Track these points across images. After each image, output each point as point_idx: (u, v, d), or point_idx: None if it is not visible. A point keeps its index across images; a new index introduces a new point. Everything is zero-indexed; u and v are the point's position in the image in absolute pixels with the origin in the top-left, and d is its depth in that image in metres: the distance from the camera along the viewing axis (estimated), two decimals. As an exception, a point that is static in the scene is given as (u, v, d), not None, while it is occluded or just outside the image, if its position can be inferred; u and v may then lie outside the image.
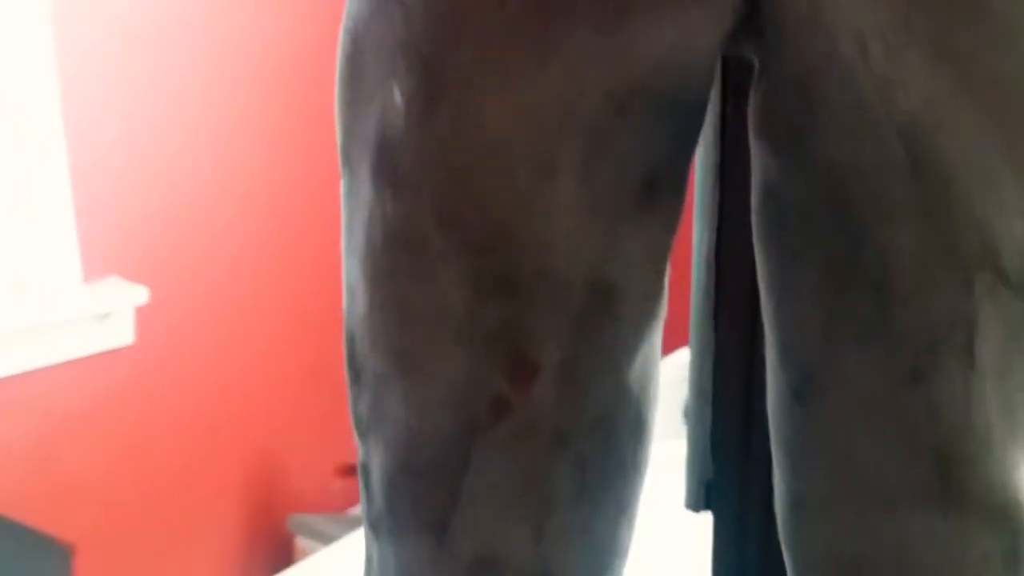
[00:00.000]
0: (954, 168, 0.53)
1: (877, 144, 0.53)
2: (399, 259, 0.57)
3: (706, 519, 1.01)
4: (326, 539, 1.87)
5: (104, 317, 1.85)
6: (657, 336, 0.64)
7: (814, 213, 0.57)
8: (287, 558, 1.98)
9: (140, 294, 1.87)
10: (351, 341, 0.62)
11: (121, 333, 1.89)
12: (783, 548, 0.68)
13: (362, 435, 0.64)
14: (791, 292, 0.60)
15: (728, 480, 0.92)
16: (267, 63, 2.00)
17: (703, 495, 0.95)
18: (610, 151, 0.55)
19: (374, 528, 0.64)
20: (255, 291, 2.05)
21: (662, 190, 0.58)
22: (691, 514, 1.19)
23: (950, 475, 0.60)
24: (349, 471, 2.06)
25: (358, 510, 2.19)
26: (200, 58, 1.91)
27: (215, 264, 1.98)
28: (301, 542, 2.00)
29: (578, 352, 0.58)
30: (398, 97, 0.55)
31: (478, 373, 0.57)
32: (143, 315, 1.90)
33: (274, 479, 2.08)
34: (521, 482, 0.60)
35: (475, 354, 0.57)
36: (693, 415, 0.92)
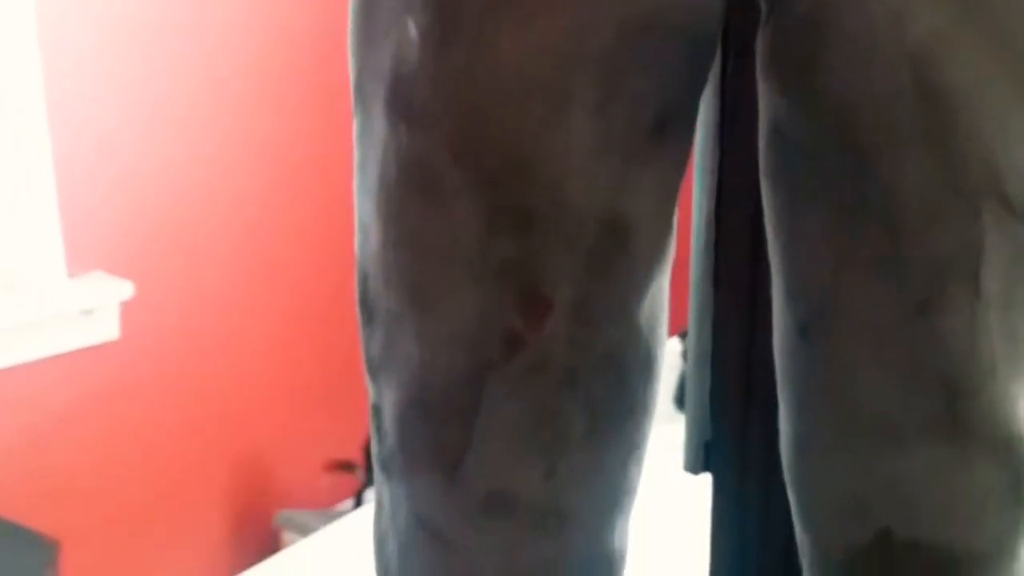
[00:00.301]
0: (961, 97, 0.54)
1: (887, 75, 0.54)
2: (413, 194, 0.58)
3: (702, 507, 1.01)
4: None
5: (88, 312, 1.84)
6: (665, 278, 0.65)
7: (823, 149, 0.58)
8: (274, 554, 1.97)
9: (125, 289, 1.85)
10: (364, 280, 0.62)
11: (106, 328, 1.88)
12: (789, 490, 0.69)
13: (374, 375, 0.64)
14: (800, 230, 0.61)
15: (727, 441, 0.93)
16: (254, 57, 2.00)
17: (702, 457, 0.95)
18: (623, 86, 0.56)
19: (385, 469, 0.65)
20: (242, 286, 2.04)
21: (672, 128, 0.59)
22: (686, 498, 1.19)
23: (956, 407, 0.61)
24: (336, 467, 2.05)
25: (345, 506, 2.18)
26: (186, 53, 1.91)
27: (201, 259, 1.97)
28: (288, 538, 1.99)
29: (590, 289, 0.59)
30: (413, 32, 0.56)
31: (491, 308, 0.58)
32: (128, 310, 1.89)
33: (261, 475, 2.07)
34: (533, 419, 0.60)
35: (488, 289, 0.58)
36: (692, 377, 0.93)
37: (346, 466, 2.02)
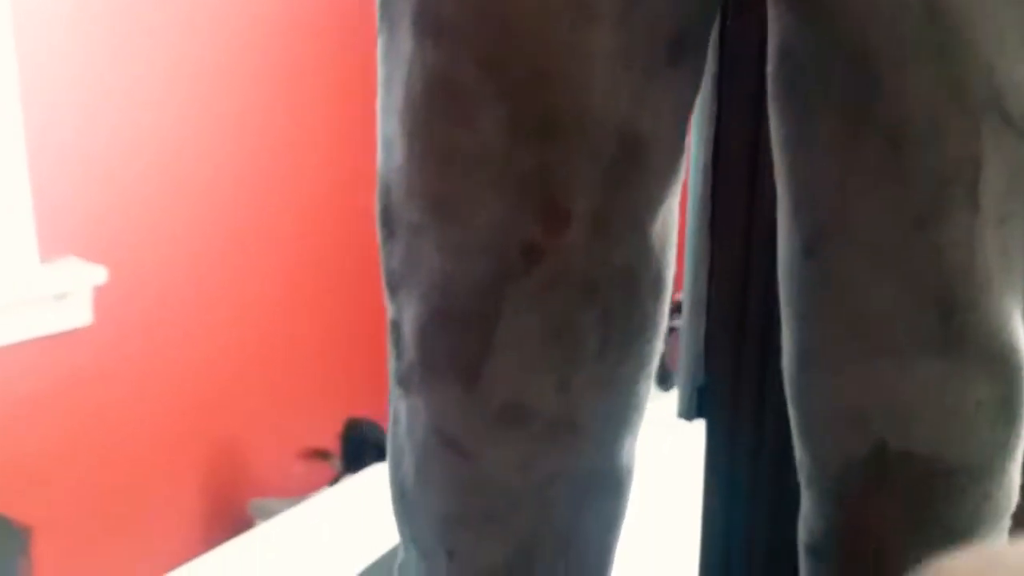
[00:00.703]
0: (964, 15, 0.57)
1: None
2: (438, 106, 0.59)
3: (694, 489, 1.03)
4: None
5: (61, 297, 1.82)
6: (676, 199, 0.67)
7: (831, 64, 0.60)
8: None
9: (98, 274, 1.84)
10: (386, 195, 0.64)
11: (79, 313, 1.86)
12: (790, 407, 0.71)
13: (394, 291, 0.65)
14: (806, 148, 0.64)
15: (720, 386, 0.95)
16: (227, 40, 2.00)
17: (695, 402, 0.97)
18: (644, 4, 0.58)
19: (403, 384, 0.66)
20: (217, 271, 2.04)
21: (688, 47, 0.62)
22: (672, 472, 1.21)
23: (952, 320, 0.64)
24: (312, 455, 2.04)
25: (319, 495, 2.17)
26: (159, 36, 1.90)
27: (175, 243, 1.97)
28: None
29: (608, 202, 0.61)
30: None
31: (512, 218, 0.60)
32: (101, 295, 1.87)
33: (235, 463, 2.06)
34: (550, 331, 0.62)
35: (510, 199, 0.59)
36: (687, 324, 0.95)
37: (321, 454, 2.01)
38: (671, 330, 1.76)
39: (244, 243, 2.07)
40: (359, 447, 1.90)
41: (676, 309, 1.76)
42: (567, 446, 0.65)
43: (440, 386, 0.64)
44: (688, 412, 0.97)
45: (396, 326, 0.66)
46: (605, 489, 0.68)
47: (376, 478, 1.62)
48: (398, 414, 0.68)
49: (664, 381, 2.08)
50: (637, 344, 0.66)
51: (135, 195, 1.90)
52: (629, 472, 0.69)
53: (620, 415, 0.66)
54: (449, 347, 0.63)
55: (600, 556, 0.70)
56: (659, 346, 0.68)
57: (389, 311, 0.67)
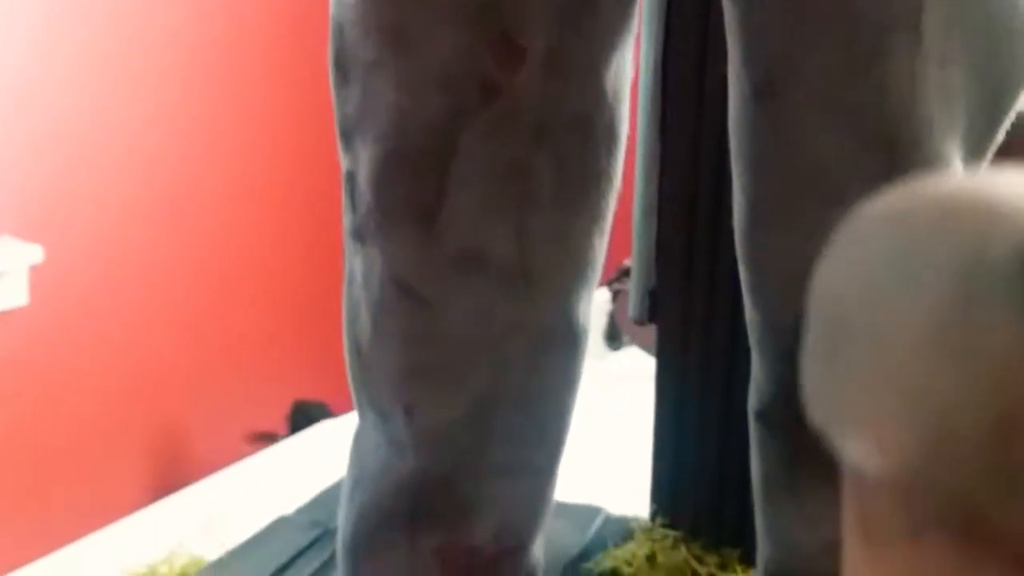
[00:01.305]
0: None
1: None
2: None
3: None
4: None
5: (-4, 276, 1.78)
6: (629, 51, 0.68)
7: None
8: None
9: (34, 253, 1.80)
10: (339, 36, 0.64)
11: (14, 294, 1.82)
12: (741, 269, 0.73)
13: (348, 139, 0.65)
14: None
15: (672, 289, 0.96)
16: (166, 16, 1.99)
17: (648, 305, 0.98)
18: None
19: (359, 236, 0.66)
20: (155, 250, 2.01)
21: None
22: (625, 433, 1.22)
23: (896, 159, 0.66)
24: (258, 439, 2.01)
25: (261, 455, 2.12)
26: (91, 13, 1.88)
27: (113, 222, 1.93)
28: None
29: (563, 41, 0.62)
30: None
31: (468, 52, 0.60)
32: (37, 275, 1.83)
33: (180, 447, 2.01)
34: (504, 173, 0.63)
35: (465, 32, 0.60)
36: (639, 229, 0.96)
37: (267, 437, 1.98)
38: (617, 293, 1.78)
39: (185, 223, 2.05)
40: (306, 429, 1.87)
41: (624, 273, 1.78)
42: (524, 297, 0.65)
43: (397, 231, 0.64)
44: (641, 314, 0.98)
45: (351, 177, 0.66)
46: (561, 346, 0.68)
47: (321, 435, 1.59)
48: (353, 272, 0.68)
49: (613, 339, 2.09)
50: (591, 194, 0.66)
51: (71, 173, 1.86)
52: (584, 332, 0.70)
53: (574, 268, 0.67)
54: (405, 188, 0.63)
55: (557, 417, 0.70)
56: (612, 202, 0.69)
57: (344, 163, 0.67)
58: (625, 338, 2.11)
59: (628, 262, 1.86)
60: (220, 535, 1.16)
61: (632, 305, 0.98)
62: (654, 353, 2.14)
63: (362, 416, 0.72)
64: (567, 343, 0.69)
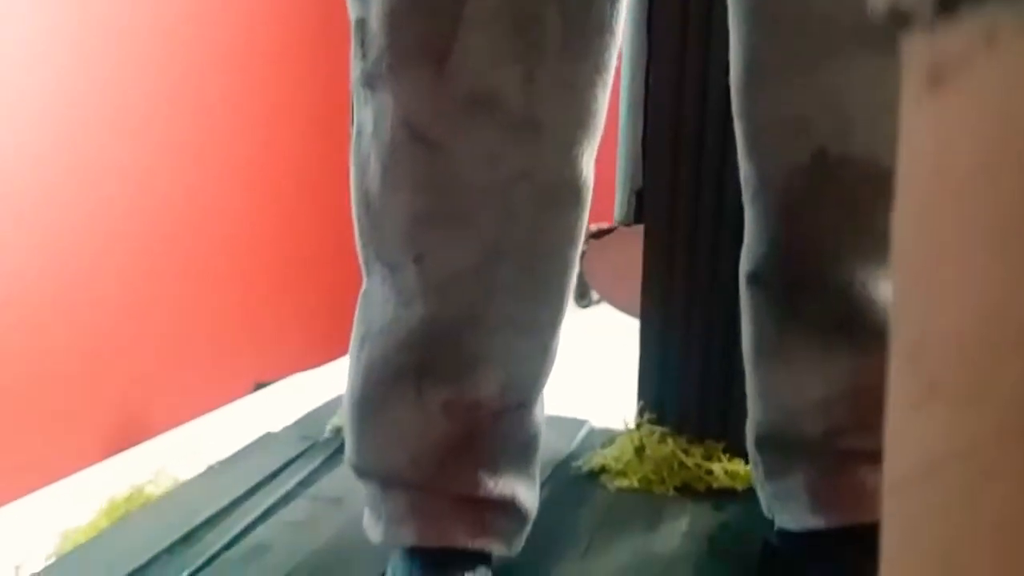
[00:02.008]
0: None
1: None
2: None
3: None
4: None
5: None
6: None
7: None
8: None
9: None
10: None
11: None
12: (737, 123, 0.75)
13: None
14: None
15: (659, 188, 0.99)
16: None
17: (634, 206, 1.01)
18: None
19: (370, 82, 0.67)
20: (106, 223, 1.99)
21: None
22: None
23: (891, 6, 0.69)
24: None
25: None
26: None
27: (60, 192, 1.92)
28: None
29: None
30: None
31: None
32: None
33: (137, 432, 1.99)
34: (515, 21, 0.65)
35: None
36: (625, 129, 0.99)
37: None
38: (583, 254, 1.81)
39: (136, 191, 2.04)
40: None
41: (592, 235, 1.80)
42: (531, 143, 0.68)
43: (408, 72, 0.65)
44: (626, 216, 1.01)
45: (362, 23, 0.68)
46: (566, 198, 0.70)
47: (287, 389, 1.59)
48: (362, 123, 0.70)
49: (583, 297, 2.12)
50: (595, 45, 0.69)
51: (27, 137, 1.85)
52: (587, 188, 0.72)
53: (579, 118, 0.69)
54: (418, 29, 0.65)
55: (561, 273, 0.72)
56: (614, 56, 0.72)
57: (354, 11, 0.68)
58: (593, 295, 2.14)
59: (595, 227, 1.89)
60: (204, 459, 1.16)
61: (618, 207, 1.01)
62: (623, 309, 2.17)
63: (369, 274, 0.73)
64: (571, 196, 0.71)
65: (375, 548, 0.89)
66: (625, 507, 0.97)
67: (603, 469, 1.03)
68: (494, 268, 0.69)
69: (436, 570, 0.71)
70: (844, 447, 0.77)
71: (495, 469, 0.74)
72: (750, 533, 0.91)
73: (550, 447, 1.10)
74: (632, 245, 2.12)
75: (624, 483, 1.00)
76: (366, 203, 0.71)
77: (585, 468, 1.05)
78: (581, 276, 2.01)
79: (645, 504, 0.97)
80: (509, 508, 0.75)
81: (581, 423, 1.17)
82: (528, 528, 0.79)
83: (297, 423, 1.21)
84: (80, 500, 1.11)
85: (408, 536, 0.72)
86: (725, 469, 0.99)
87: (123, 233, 1.98)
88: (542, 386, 0.74)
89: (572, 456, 1.08)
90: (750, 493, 0.99)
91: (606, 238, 2.13)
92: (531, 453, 0.77)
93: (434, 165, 0.67)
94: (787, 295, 0.77)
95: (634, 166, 0.99)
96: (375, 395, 0.71)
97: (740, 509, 0.96)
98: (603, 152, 0.75)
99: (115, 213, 1.97)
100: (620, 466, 1.02)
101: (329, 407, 1.26)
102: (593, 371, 1.46)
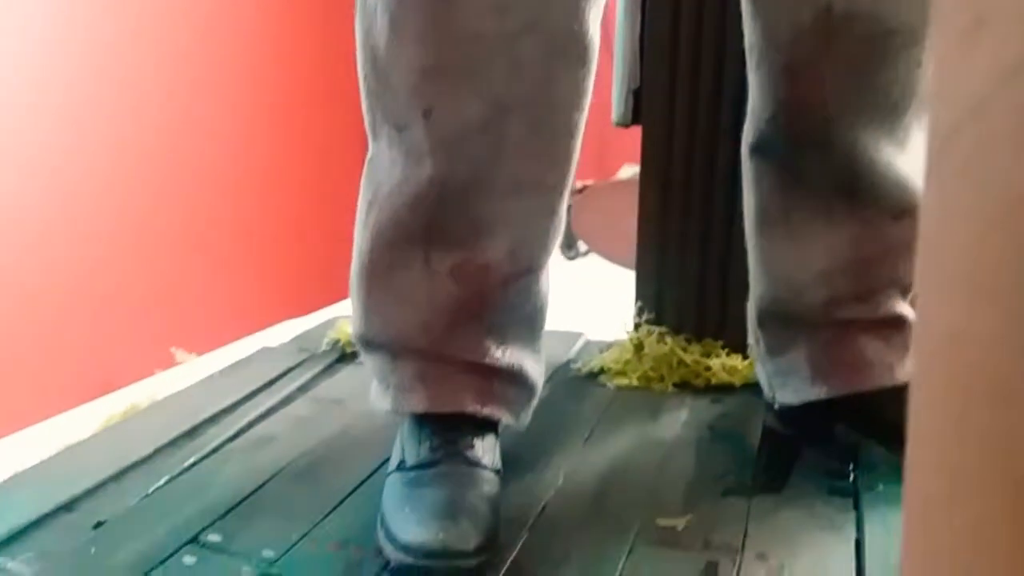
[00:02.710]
0: None
1: None
2: None
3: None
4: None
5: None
6: None
7: None
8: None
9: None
10: None
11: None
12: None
13: None
14: None
15: (656, 87, 0.99)
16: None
17: (631, 106, 1.01)
18: None
19: None
20: (55, 194, 1.98)
21: None
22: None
23: None
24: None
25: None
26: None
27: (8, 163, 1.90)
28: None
29: None
30: None
31: None
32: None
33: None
34: None
35: None
36: (622, 28, 0.99)
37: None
38: (569, 206, 1.81)
39: (90, 141, 2.02)
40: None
41: (577, 191, 1.81)
42: None
43: None
44: (624, 117, 1.01)
45: None
46: (572, 52, 0.70)
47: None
48: None
49: (570, 247, 2.13)
50: None
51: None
52: (593, 46, 0.72)
53: None
54: None
55: (567, 135, 0.72)
56: None
57: None
58: (581, 246, 2.15)
59: (579, 183, 1.89)
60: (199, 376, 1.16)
61: (615, 108, 1.01)
62: (612, 259, 2.18)
63: (376, 137, 0.73)
64: (578, 50, 0.71)
65: (377, 439, 0.90)
66: (625, 402, 0.98)
67: (602, 370, 1.04)
68: (501, 124, 0.69)
69: (445, 435, 0.71)
70: (844, 317, 0.78)
71: (503, 338, 0.74)
72: (749, 421, 0.92)
73: (547, 356, 1.11)
74: (618, 196, 2.13)
75: (623, 382, 1.01)
76: (373, 60, 0.70)
77: (584, 370, 1.05)
78: (568, 226, 2.02)
79: (644, 400, 0.98)
80: (516, 378, 0.76)
81: (577, 335, 1.17)
82: (534, 402, 0.79)
83: (294, 339, 1.21)
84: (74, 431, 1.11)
85: (418, 403, 0.73)
86: (724, 365, 1.00)
87: (120, 175, 1.97)
88: (549, 252, 0.75)
89: (570, 362, 1.09)
90: (748, 389, 1.00)
91: (590, 189, 2.13)
92: (537, 327, 0.78)
93: (442, 16, 0.67)
94: (791, 159, 0.77)
95: (631, 65, 0.99)
96: (383, 260, 0.72)
97: (739, 402, 0.97)
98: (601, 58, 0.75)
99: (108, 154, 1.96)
100: (619, 366, 1.03)
101: (324, 326, 1.26)
102: (584, 309, 1.47)
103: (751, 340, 0.86)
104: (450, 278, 0.71)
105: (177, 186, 2.15)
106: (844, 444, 0.85)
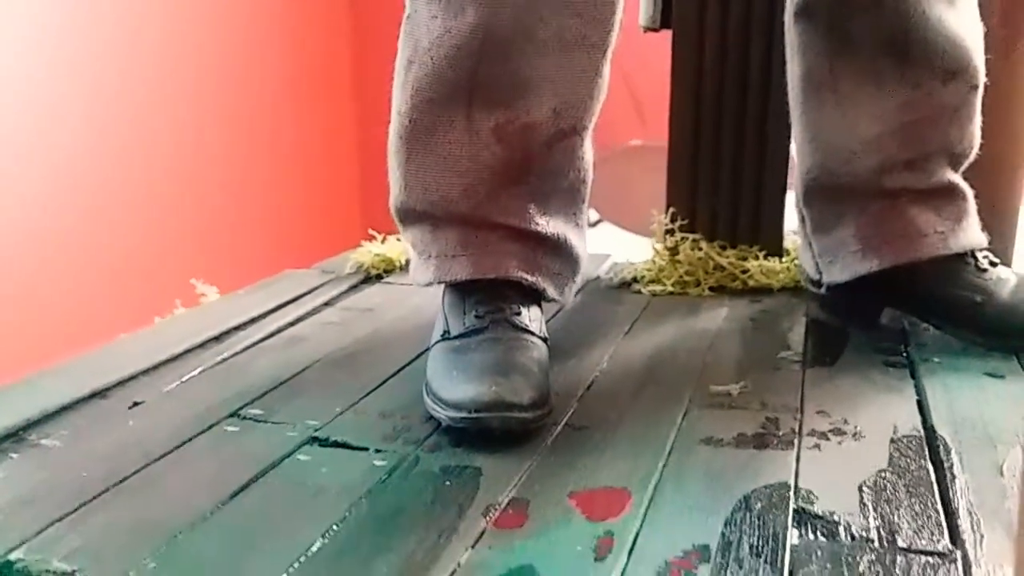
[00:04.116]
0: None
1: None
2: None
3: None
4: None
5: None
6: None
7: None
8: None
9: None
10: None
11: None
12: None
13: None
14: None
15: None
16: None
17: (660, 8, 0.99)
18: None
19: None
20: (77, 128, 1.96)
21: None
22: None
23: None
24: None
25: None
26: None
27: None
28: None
29: None
30: None
31: None
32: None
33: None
34: None
35: None
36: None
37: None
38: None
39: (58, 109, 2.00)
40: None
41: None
42: None
43: None
44: (651, 20, 0.99)
45: None
46: None
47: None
48: None
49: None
50: None
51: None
52: None
53: None
54: None
55: None
56: None
57: None
58: (592, 215, 2.12)
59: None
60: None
61: (643, 11, 0.99)
62: (625, 227, 2.15)
63: None
64: None
65: (414, 337, 0.87)
66: (662, 305, 0.95)
67: (635, 279, 1.02)
68: None
69: (491, 302, 0.69)
70: (894, 186, 0.76)
71: (546, 206, 0.72)
72: (792, 316, 0.90)
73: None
74: (629, 163, 2.10)
75: (658, 288, 0.99)
76: None
77: (616, 280, 1.03)
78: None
79: (681, 302, 0.96)
80: (561, 249, 0.73)
81: (604, 256, 1.15)
82: (578, 280, 0.77)
83: (316, 266, 1.19)
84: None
85: (461, 270, 0.70)
86: (761, 267, 0.98)
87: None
88: (593, 115, 0.72)
89: (600, 277, 1.07)
90: (787, 292, 0.98)
91: (600, 158, 2.12)
92: (579, 199, 0.76)
93: None
94: (838, 20, 0.75)
95: (660, -34, 0.97)
96: (424, 121, 0.69)
97: (779, 302, 0.95)
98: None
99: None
100: (652, 274, 1.00)
101: (345, 257, 1.23)
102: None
103: (798, 220, 0.84)
104: (493, 137, 0.69)
105: (202, 126, 2.13)
106: (893, 329, 0.83)
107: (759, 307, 0.93)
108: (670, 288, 0.98)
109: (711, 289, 0.98)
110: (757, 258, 1.00)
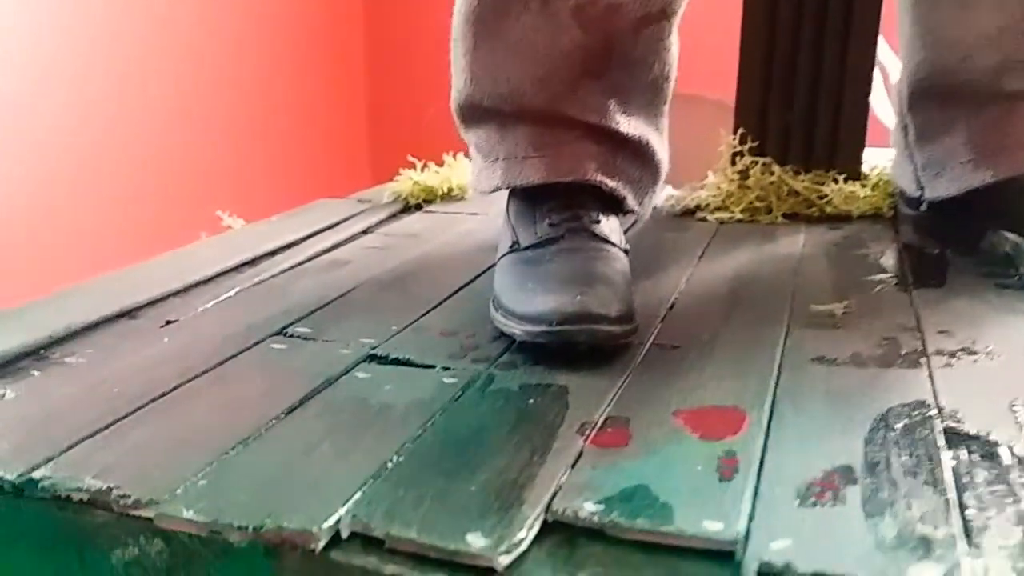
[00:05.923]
0: None
1: None
2: None
3: None
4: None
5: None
6: None
7: None
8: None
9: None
10: None
11: None
12: None
13: None
14: None
15: None
16: None
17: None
18: None
19: None
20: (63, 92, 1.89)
21: None
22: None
23: None
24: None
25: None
26: None
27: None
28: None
29: None
30: None
31: None
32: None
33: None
34: None
35: None
36: None
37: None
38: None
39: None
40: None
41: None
42: None
43: None
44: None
45: None
46: None
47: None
48: None
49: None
50: None
51: None
52: None
53: None
54: None
55: None
56: None
57: None
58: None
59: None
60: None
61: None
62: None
63: None
64: None
65: (468, 260, 0.80)
66: (733, 231, 0.88)
67: (699, 207, 0.94)
68: None
69: (568, 209, 0.61)
70: (1014, 89, 0.68)
71: (627, 103, 0.64)
72: (880, 241, 0.82)
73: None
74: (682, 115, 2.02)
75: (725, 215, 0.91)
76: None
77: (679, 207, 0.95)
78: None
79: (754, 228, 0.88)
80: (642, 153, 0.66)
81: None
82: (658, 189, 0.69)
83: (352, 196, 1.11)
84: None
85: (533, 173, 0.62)
86: (842, 191, 0.90)
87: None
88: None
89: (657, 206, 0.99)
90: (867, 219, 0.90)
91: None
92: (662, 99, 0.68)
93: None
94: None
95: None
96: (493, 2, 0.61)
97: (861, 227, 0.87)
98: None
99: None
100: (719, 201, 0.93)
101: (382, 188, 1.16)
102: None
103: (899, 128, 0.76)
104: (573, 21, 0.61)
105: (224, 62, 2.07)
106: (995, 253, 0.76)
107: (840, 233, 0.85)
108: (739, 215, 0.90)
109: (784, 216, 0.90)
110: (837, 181, 0.92)
